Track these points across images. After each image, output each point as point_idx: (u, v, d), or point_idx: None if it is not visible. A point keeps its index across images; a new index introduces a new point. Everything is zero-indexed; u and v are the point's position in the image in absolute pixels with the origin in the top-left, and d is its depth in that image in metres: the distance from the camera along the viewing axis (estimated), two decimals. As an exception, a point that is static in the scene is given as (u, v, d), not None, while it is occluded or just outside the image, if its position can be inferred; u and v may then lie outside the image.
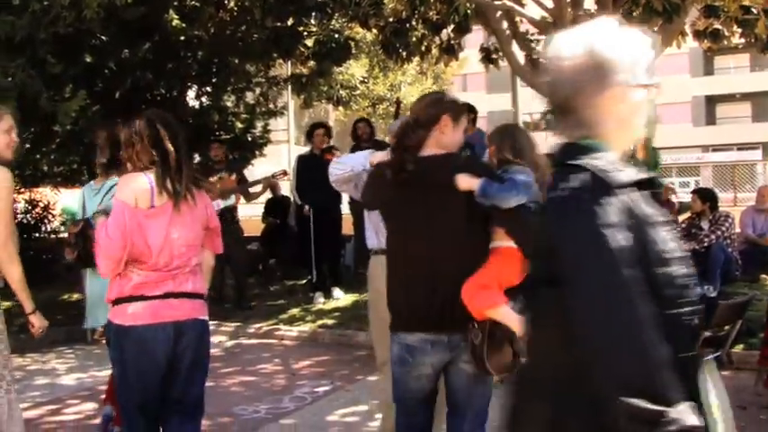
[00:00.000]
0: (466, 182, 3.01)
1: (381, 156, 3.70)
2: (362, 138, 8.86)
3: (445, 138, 3.14)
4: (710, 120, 44.57)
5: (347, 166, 3.88)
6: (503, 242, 3.10)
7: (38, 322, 3.69)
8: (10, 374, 3.62)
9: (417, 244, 3.07)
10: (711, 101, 44.43)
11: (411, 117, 3.19)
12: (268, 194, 12.27)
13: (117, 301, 3.23)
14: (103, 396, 4.62)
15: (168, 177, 3.19)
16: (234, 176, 8.86)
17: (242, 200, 9.22)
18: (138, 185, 3.18)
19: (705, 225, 8.57)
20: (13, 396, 3.64)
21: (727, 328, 5.27)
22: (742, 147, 39.63)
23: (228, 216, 8.63)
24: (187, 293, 3.30)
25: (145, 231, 3.16)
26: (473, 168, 3.09)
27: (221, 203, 8.43)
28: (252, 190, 9.16)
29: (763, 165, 25.87)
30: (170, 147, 3.21)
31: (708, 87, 43.61)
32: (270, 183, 9.54)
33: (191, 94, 10.73)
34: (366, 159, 3.84)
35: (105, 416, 4.47)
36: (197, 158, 10.38)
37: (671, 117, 40.73)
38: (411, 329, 3.09)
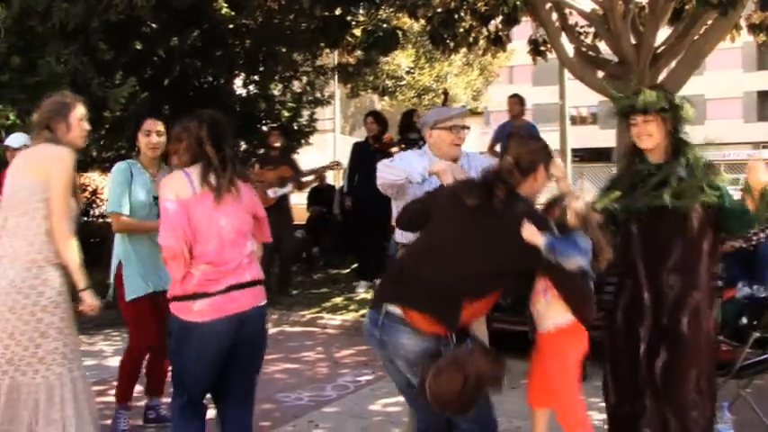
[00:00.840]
0: (532, 234, 3.04)
1: (442, 168, 3.65)
2: (370, 135, 8.90)
3: (537, 185, 3.24)
4: (762, 116, 43.59)
5: (401, 173, 3.80)
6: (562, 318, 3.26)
7: (89, 300, 3.72)
8: (72, 353, 3.64)
9: (448, 261, 3.14)
10: (764, 96, 43.44)
11: (512, 159, 3.20)
12: (312, 185, 12.37)
13: (180, 298, 3.31)
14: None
15: (210, 174, 3.29)
16: (290, 165, 8.93)
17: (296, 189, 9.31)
18: (176, 182, 3.31)
19: (752, 225, 8.37)
20: (78, 374, 3.67)
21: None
22: (794, 144, 38.73)
23: (283, 204, 8.72)
24: (248, 282, 3.38)
25: (191, 220, 3.25)
26: (536, 220, 3.12)
27: (278, 191, 8.51)
28: (305, 179, 9.22)
29: (816, 162, 25.26)
30: (211, 150, 3.32)
31: (761, 82, 42.63)
32: (323, 172, 9.61)
33: (238, 82, 10.81)
34: (425, 170, 3.78)
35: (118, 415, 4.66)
36: (243, 146, 10.50)
37: (722, 112, 40.02)
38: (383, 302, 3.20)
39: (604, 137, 37.54)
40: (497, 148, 9.80)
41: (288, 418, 5.03)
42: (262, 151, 9.66)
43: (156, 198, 4.40)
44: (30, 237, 3.53)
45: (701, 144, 7.52)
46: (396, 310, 3.13)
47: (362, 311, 8.17)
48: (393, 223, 4.08)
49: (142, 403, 4.92)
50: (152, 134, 4.59)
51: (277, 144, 8.96)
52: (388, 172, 3.86)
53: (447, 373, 2.92)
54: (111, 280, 4.64)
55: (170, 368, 3.72)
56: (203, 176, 3.28)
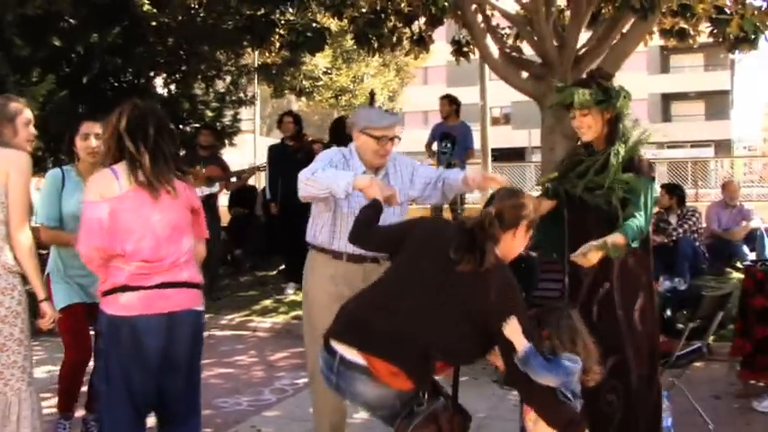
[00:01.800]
0: (514, 333, 2.81)
1: (366, 184, 3.42)
2: (287, 135, 8.82)
3: (515, 243, 3.02)
4: (666, 117, 45.36)
5: (323, 187, 3.54)
6: None
7: (49, 311, 3.56)
8: (27, 362, 3.48)
9: (400, 298, 2.93)
10: (667, 98, 45.23)
11: (496, 210, 2.96)
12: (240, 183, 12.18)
13: (109, 292, 3.15)
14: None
15: (139, 170, 3.12)
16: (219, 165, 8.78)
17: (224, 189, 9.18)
18: (101, 181, 3.16)
19: (673, 219, 8.72)
20: (33, 388, 3.52)
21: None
22: (695, 144, 40.45)
23: (210, 204, 8.55)
24: (183, 283, 3.20)
25: (118, 217, 3.09)
26: (524, 323, 2.85)
27: (206, 190, 8.35)
28: (233, 180, 9.08)
29: (714, 162, 26.47)
30: (131, 144, 3.12)
31: (664, 85, 44.37)
32: (252, 174, 9.48)
33: (159, 81, 10.53)
34: (350, 186, 3.49)
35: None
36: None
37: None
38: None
39: (519, 137, 38.40)
40: (434, 147, 9.92)
41: (230, 424, 4.93)
42: (184, 152, 9.44)
43: None
44: None
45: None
46: (355, 357, 2.86)
47: (292, 313, 8.11)
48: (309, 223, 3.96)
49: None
50: (90, 137, 4.26)
51: (206, 143, 8.81)
52: (311, 185, 3.60)
53: None
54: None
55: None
56: (130, 172, 3.11)
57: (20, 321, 3.42)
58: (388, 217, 3.53)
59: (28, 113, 3.66)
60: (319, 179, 3.58)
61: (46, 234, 4.28)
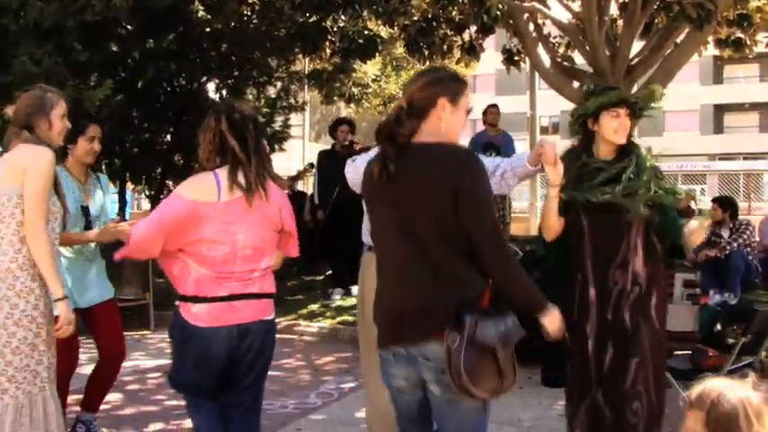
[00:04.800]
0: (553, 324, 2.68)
1: None
2: (343, 144, 8.80)
3: (442, 125, 2.68)
4: (718, 129, 44.57)
5: (359, 171, 3.50)
6: None
7: (64, 312, 3.41)
8: (46, 370, 3.43)
9: (389, 248, 2.72)
10: (720, 109, 44.44)
11: (404, 101, 2.71)
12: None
13: (182, 299, 3.15)
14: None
15: (238, 172, 3.05)
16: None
17: None
18: (201, 182, 3.07)
19: (725, 233, 8.56)
20: (48, 393, 3.46)
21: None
22: (748, 156, 39.63)
23: None
24: (253, 294, 3.15)
25: (202, 224, 3.03)
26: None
27: None
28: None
29: (769, 175, 25.92)
30: (233, 142, 3.06)
31: (717, 96, 43.60)
32: (298, 179, 9.54)
33: (211, 86, 10.71)
34: None
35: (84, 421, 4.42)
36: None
37: (679, 125, 40.81)
38: (387, 343, 2.74)
39: (567, 146, 38.07)
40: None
41: (275, 426, 4.97)
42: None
43: (84, 208, 4.21)
44: (4, 245, 3.31)
45: (662, 154, 7.69)
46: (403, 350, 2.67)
47: (339, 318, 8.15)
48: (364, 222, 3.88)
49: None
50: (95, 140, 4.26)
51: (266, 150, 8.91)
52: (349, 171, 3.63)
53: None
54: None
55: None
56: (233, 177, 3.03)
57: (35, 326, 3.34)
58: None
59: (63, 105, 3.54)
60: (359, 163, 3.59)
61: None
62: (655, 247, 3.65)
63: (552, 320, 2.70)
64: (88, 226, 4.24)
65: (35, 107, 3.47)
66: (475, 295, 2.59)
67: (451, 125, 2.70)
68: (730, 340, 5.78)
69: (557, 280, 3.71)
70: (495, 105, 9.81)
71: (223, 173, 3.06)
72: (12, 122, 3.51)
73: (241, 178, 3.05)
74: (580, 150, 3.69)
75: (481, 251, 2.57)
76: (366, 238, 3.89)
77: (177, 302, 3.19)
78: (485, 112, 9.75)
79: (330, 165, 8.77)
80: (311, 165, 9.31)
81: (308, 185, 14.63)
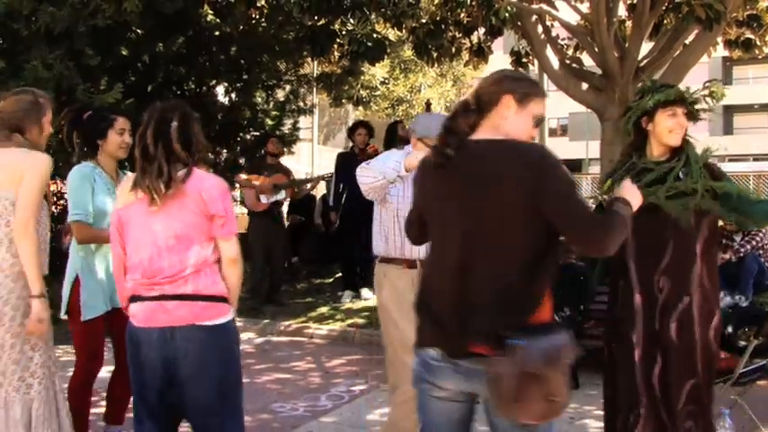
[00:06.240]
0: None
1: (417, 160, 3.23)
2: (360, 147, 8.85)
3: (506, 123, 2.53)
4: (728, 130, 44.39)
5: (377, 174, 3.56)
6: None
7: (38, 309, 3.34)
8: (44, 369, 3.48)
9: (448, 248, 2.52)
10: (729, 111, 44.25)
11: (472, 95, 2.60)
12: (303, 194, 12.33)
13: (128, 300, 3.14)
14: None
15: (141, 174, 3.02)
16: (285, 173, 8.92)
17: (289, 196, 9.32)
18: (125, 187, 3.14)
19: (737, 236, 8.52)
20: (55, 391, 3.52)
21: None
22: (758, 157, 39.43)
23: (275, 212, 8.70)
24: (187, 296, 3.00)
25: (126, 228, 3.09)
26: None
27: (271, 198, 8.51)
28: (299, 188, 9.21)
29: (780, 176, 25.76)
30: (149, 141, 3.01)
31: (726, 97, 43.40)
32: (318, 182, 9.57)
33: (220, 90, 10.75)
34: (400, 165, 3.51)
35: None
36: (224, 154, 10.45)
37: (689, 126, 40.56)
38: (421, 344, 2.60)
39: (576, 148, 37.98)
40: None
41: (286, 429, 4.98)
42: (258, 156, 9.66)
43: None
44: (13, 248, 3.36)
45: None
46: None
47: (349, 321, 8.16)
48: (374, 232, 3.92)
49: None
50: (125, 133, 4.16)
51: (275, 151, 8.96)
52: (365, 174, 3.62)
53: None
54: (66, 295, 4.11)
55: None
56: (139, 176, 3.01)
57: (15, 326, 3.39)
58: None
59: (50, 109, 3.59)
60: (372, 165, 3.63)
61: (84, 232, 4.02)
62: (716, 262, 3.50)
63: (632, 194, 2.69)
64: None
65: (28, 111, 3.49)
66: (530, 311, 2.43)
67: (515, 126, 2.53)
68: (742, 343, 5.77)
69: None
70: None
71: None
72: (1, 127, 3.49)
73: (143, 179, 3.01)
74: (632, 150, 3.58)
75: (572, 233, 2.42)
76: (377, 248, 3.91)
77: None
78: None
79: (347, 167, 8.77)
80: (331, 174, 9.30)
81: (317, 189, 14.66)
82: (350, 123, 20.90)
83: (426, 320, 2.58)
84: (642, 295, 3.43)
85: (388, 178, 3.52)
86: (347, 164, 8.81)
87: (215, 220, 3.04)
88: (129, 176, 3.16)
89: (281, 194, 8.73)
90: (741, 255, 8.21)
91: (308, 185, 9.35)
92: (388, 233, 3.81)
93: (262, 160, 9.16)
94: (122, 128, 4.16)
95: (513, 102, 2.53)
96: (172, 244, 3.00)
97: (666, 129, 3.42)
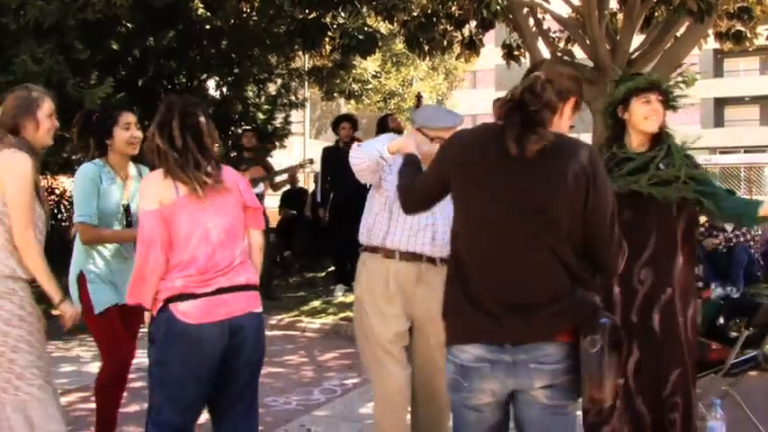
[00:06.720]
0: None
1: (400, 142, 3.40)
2: (344, 140, 8.82)
3: (561, 122, 2.51)
4: (719, 122, 44.52)
5: (365, 153, 3.58)
6: None
7: (69, 310, 3.48)
8: (32, 370, 3.41)
9: (499, 235, 2.43)
10: (720, 103, 44.39)
11: (545, 76, 2.46)
12: (286, 185, 12.30)
13: (168, 300, 3.03)
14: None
15: (179, 167, 2.99)
16: (263, 165, 8.89)
17: (269, 189, 9.26)
18: (157, 184, 3.04)
19: (728, 226, 8.55)
20: (46, 395, 3.45)
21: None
22: (749, 149, 39.58)
23: None
24: (241, 286, 3.08)
25: (173, 227, 3.01)
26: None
27: None
28: (278, 179, 9.18)
29: (770, 168, 25.85)
30: (176, 133, 3.00)
31: (717, 90, 43.56)
32: (296, 171, 9.53)
33: (211, 83, 10.71)
34: (383, 145, 3.55)
35: None
36: (216, 148, 10.41)
37: (680, 119, 40.63)
38: (465, 340, 2.48)
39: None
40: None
41: (279, 423, 4.99)
42: (234, 153, 9.60)
43: (126, 207, 4.09)
44: None
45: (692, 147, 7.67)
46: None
47: (341, 315, 8.16)
48: (363, 219, 3.86)
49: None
50: (131, 127, 4.06)
51: (250, 145, 8.93)
52: (353, 155, 3.62)
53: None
54: (74, 293, 4.06)
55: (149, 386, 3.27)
56: (174, 173, 2.99)
57: (27, 325, 3.37)
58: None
59: (49, 103, 3.50)
60: (362, 147, 3.67)
61: (88, 234, 3.98)
62: (695, 252, 3.50)
63: None
64: (129, 225, 4.09)
65: (21, 108, 3.44)
66: (599, 298, 2.52)
67: (560, 127, 2.53)
68: (733, 334, 5.79)
69: None
70: (499, 99, 9.79)
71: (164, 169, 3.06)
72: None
73: (181, 174, 3.00)
74: (611, 142, 3.56)
75: (599, 250, 2.47)
76: (361, 237, 3.86)
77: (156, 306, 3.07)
78: (494, 106, 9.74)
79: (333, 161, 8.78)
80: (310, 160, 9.30)
81: (308, 182, 14.65)
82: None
83: (473, 315, 2.44)
84: (621, 287, 3.43)
85: (371, 158, 3.53)
86: (333, 158, 8.83)
87: (248, 212, 3.20)
88: (153, 175, 3.10)
89: (260, 188, 8.71)
90: (732, 244, 8.24)
91: (285, 175, 9.28)
92: (376, 220, 3.76)
93: (239, 155, 9.13)
94: (127, 122, 4.07)
95: (573, 106, 2.55)
96: (223, 238, 3.06)
97: (642, 116, 3.42)
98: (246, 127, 10.15)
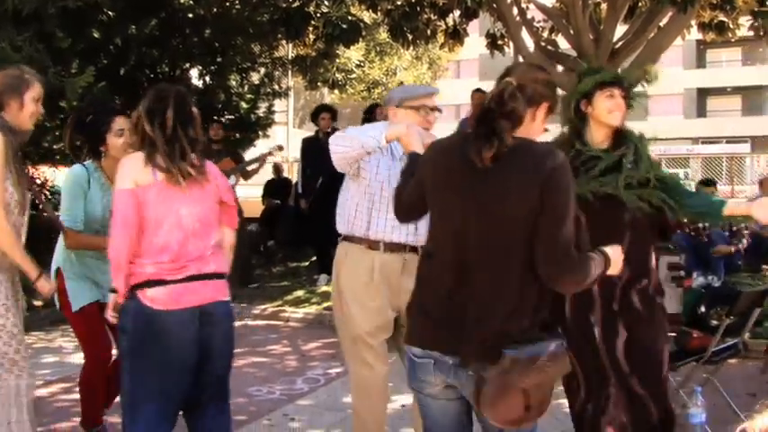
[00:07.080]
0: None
1: (400, 131, 3.25)
2: (324, 131, 8.76)
3: (533, 126, 2.48)
4: (701, 112, 44.78)
5: (355, 143, 3.36)
6: None
7: (47, 286, 3.45)
8: (18, 356, 3.40)
9: (456, 248, 2.45)
10: (703, 93, 44.63)
11: (516, 82, 2.41)
12: (270, 175, 12.25)
13: (136, 287, 3.01)
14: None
15: (157, 155, 2.99)
16: (232, 156, 8.83)
17: (241, 179, 9.18)
18: (135, 165, 3.01)
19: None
20: (23, 383, 3.43)
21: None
22: (731, 140, 39.87)
23: None
24: (211, 274, 3.09)
25: (146, 210, 2.99)
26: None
27: None
28: (249, 167, 9.12)
29: (751, 158, 26.07)
30: (170, 123, 3.00)
31: (700, 80, 43.79)
32: (265, 159, 9.41)
33: (194, 73, 10.64)
34: (381, 134, 3.32)
35: None
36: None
37: (663, 109, 40.93)
38: (412, 342, 2.55)
39: (550, 131, 38.18)
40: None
41: (263, 412, 4.99)
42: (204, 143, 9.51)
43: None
44: None
45: (655, 138, 7.69)
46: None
47: (325, 304, 8.14)
48: (339, 207, 3.75)
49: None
50: (125, 133, 3.96)
51: (217, 137, 8.85)
52: (340, 143, 3.42)
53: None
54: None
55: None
56: (151, 159, 2.97)
57: (9, 314, 3.35)
58: None
59: (38, 88, 3.45)
60: (349, 133, 3.47)
61: (74, 239, 3.94)
62: (655, 245, 3.54)
63: (616, 261, 2.59)
64: None
65: (9, 86, 3.40)
66: (529, 318, 2.40)
67: (536, 131, 2.51)
68: (714, 322, 5.84)
69: None
70: (478, 90, 9.80)
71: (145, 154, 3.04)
72: None
73: (160, 161, 3.00)
74: (572, 137, 3.50)
75: (539, 252, 2.36)
76: (340, 226, 3.75)
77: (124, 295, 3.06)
78: (472, 97, 9.73)
79: (313, 152, 8.75)
80: (279, 147, 9.23)
81: (292, 172, 14.61)
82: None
83: (423, 321, 2.52)
84: (599, 284, 3.28)
85: (366, 147, 3.35)
86: (312, 149, 8.80)
87: (223, 208, 3.23)
88: (134, 156, 3.06)
89: (231, 180, 8.66)
90: (708, 233, 8.30)
91: (256, 165, 9.20)
92: (356, 209, 3.64)
93: (208, 147, 9.05)
94: (121, 128, 3.98)
95: (546, 111, 2.51)
96: (197, 228, 3.07)
97: (606, 109, 3.39)
98: (229, 117, 10.09)
